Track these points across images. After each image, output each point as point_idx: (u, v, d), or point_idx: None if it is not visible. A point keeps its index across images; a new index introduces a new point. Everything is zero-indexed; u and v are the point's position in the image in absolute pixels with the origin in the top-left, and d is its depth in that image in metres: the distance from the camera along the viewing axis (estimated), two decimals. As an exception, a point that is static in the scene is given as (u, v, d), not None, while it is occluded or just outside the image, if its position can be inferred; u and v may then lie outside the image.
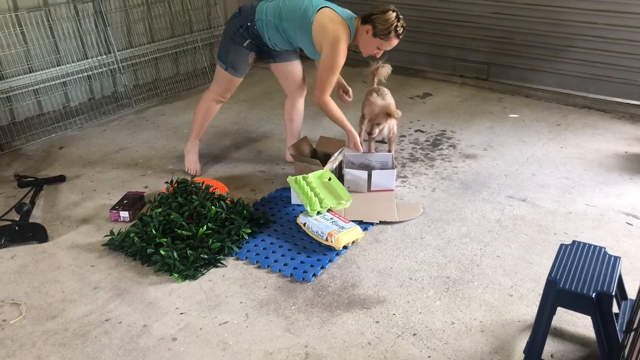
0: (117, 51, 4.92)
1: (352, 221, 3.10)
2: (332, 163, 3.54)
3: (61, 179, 3.74)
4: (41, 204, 3.46)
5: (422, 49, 5.79)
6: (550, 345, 2.32)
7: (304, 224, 3.08)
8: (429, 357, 2.28)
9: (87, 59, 4.76)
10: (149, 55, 5.23)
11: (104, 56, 4.88)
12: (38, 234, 3.08)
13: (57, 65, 4.58)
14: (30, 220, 3.21)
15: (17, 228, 3.07)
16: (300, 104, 3.81)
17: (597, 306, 2.03)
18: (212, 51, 5.88)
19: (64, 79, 4.64)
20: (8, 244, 3.05)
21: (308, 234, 3.07)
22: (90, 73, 4.78)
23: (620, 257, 2.22)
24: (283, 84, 3.76)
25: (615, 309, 2.12)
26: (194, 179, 3.40)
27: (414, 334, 2.39)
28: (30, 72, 4.40)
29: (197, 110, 3.74)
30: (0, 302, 2.63)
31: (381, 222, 3.20)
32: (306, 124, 4.56)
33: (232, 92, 3.67)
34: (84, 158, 4.08)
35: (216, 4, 5.72)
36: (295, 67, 3.68)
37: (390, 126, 3.75)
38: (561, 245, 2.30)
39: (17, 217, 3.20)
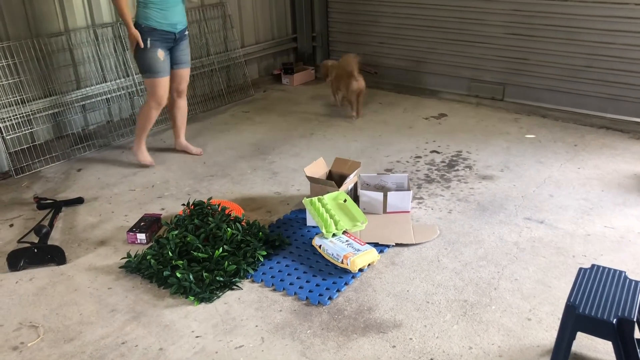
0: (135, 74, 5.00)
1: (368, 243, 3.09)
2: (348, 184, 3.54)
3: (79, 201, 3.78)
4: (59, 226, 3.50)
5: (437, 69, 5.80)
6: (571, 372, 2.27)
7: (320, 246, 3.08)
8: (447, 382, 2.25)
9: (106, 82, 4.84)
10: (166, 78, 5.30)
11: (123, 79, 4.95)
12: (56, 256, 3.11)
13: (77, 89, 4.66)
14: (49, 243, 3.24)
15: (35, 250, 3.11)
16: (181, 103, 4.38)
17: (618, 332, 2.00)
18: (228, 74, 5.95)
19: (84, 102, 4.72)
20: (27, 266, 3.08)
21: (323, 257, 3.06)
22: (108, 96, 4.85)
23: (641, 282, 2.18)
24: (171, 86, 4.21)
25: (637, 334, 2.08)
26: (210, 200, 3.42)
27: (431, 359, 2.36)
28: (50, 96, 4.48)
29: (139, 119, 4.24)
30: (18, 325, 2.65)
31: (397, 245, 3.18)
32: (322, 145, 4.59)
33: (165, 97, 4.11)
34: (101, 180, 4.12)
35: (232, 27, 5.80)
36: (187, 73, 4.27)
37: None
38: (580, 269, 2.27)
39: (36, 240, 3.24)
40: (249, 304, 2.75)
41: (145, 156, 4.33)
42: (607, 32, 4.70)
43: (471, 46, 5.49)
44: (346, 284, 2.86)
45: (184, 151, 4.54)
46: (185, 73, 4.25)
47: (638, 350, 2.01)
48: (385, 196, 3.45)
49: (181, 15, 3.99)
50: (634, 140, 4.51)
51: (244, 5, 6.04)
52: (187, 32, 4.13)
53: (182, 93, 4.34)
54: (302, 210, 3.53)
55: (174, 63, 4.12)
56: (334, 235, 3.11)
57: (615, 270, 2.25)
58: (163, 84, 4.03)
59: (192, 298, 2.77)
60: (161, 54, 3.94)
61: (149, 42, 3.87)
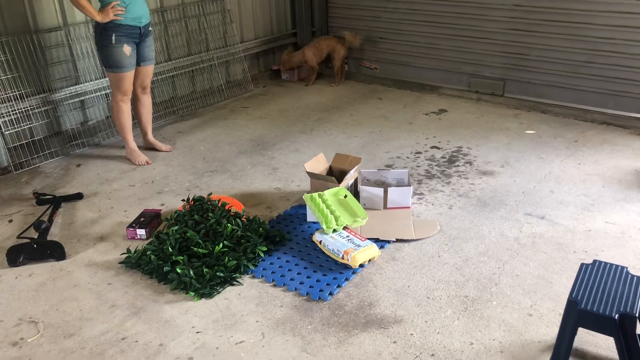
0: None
1: (369, 239, 3.08)
2: (348, 180, 3.53)
3: (79, 196, 3.77)
4: (59, 222, 3.49)
5: (438, 65, 5.79)
6: (572, 367, 2.27)
7: (320, 242, 3.07)
8: (448, 378, 2.25)
9: (104, 77, 4.81)
10: (166, 74, 5.28)
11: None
12: (56, 252, 3.10)
13: (76, 84, 4.64)
14: (49, 238, 3.23)
15: (35, 246, 3.10)
16: (145, 99, 4.39)
17: (620, 327, 1.99)
18: (227, 69, 5.93)
19: (83, 97, 4.70)
20: (26, 261, 3.07)
21: (324, 252, 3.06)
22: (108, 91, 4.82)
23: (643, 277, 2.18)
24: (135, 83, 4.20)
25: (639, 330, 2.08)
26: (210, 196, 3.41)
27: (432, 355, 2.36)
28: (50, 91, 4.46)
29: (114, 118, 4.27)
30: (18, 320, 2.64)
31: (398, 240, 3.17)
32: (322, 140, 4.58)
33: (131, 89, 4.13)
34: (101, 176, 4.11)
35: (232, 23, 5.78)
36: (151, 69, 4.29)
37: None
38: (582, 264, 2.26)
39: (35, 235, 3.23)
40: (249, 299, 2.74)
41: (138, 156, 4.30)
42: (607, 28, 4.69)
43: (471, 42, 5.47)
44: (347, 279, 2.86)
45: (153, 148, 4.51)
46: (149, 70, 4.26)
47: (640, 345, 2.01)
48: (385, 192, 3.44)
49: (144, 9, 3.99)
50: (634, 136, 4.50)
51: (243, 1, 6.01)
52: (150, 28, 4.14)
53: (147, 89, 4.34)
54: (303, 206, 3.52)
55: (140, 60, 4.11)
56: (334, 231, 3.11)
57: (617, 266, 2.24)
58: (128, 77, 4.04)
59: (192, 294, 2.76)
60: (127, 50, 3.93)
61: (114, 37, 3.86)
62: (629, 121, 4.72)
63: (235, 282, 2.86)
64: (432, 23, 5.65)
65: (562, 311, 2.18)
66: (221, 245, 2.98)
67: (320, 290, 2.76)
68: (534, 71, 5.20)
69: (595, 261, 2.28)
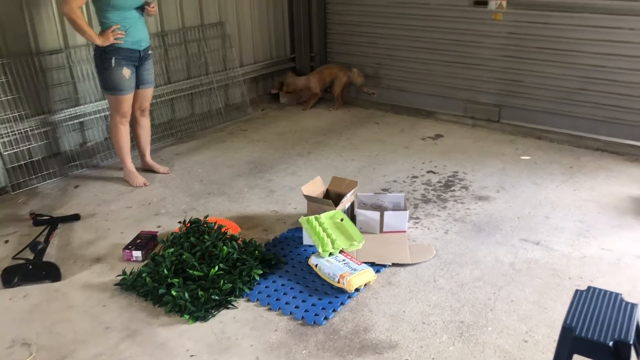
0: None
1: (365, 263, 3.08)
2: (345, 203, 3.54)
3: (76, 217, 3.77)
4: (55, 243, 3.49)
5: (434, 90, 5.85)
6: (567, 394, 2.26)
7: (316, 265, 3.07)
8: (443, 404, 2.24)
9: (104, 99, 4.84)
10: (165, 96, 5.33)
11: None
12: (51, 273, 3.10)
13: (76, 106, 4.67)
14: (45, 259, 3.22)
15: (30, 267, 3.09)
16: (144, 121, 4.43)
17: (614, 355, 1.99)
18: (227, 92, 5.98)
19: (82, 119, 4.73)
20: (21, 282, 3.06)
21: (320, 276, 3.06)
22: (107, 113, 4.86)
23: (637, 304, 2.18)
24: (134, 105, 4.24)
25: (633, 357, 2.07)
26: (207, 218, 3.42)
27: (427, 381, 2.35)
28: (49, 113, 4.49)
29: (112, 140, 4.33)
30: (10, 342, 2.63)
31: (394, 264, 3.18)
32: (319, 163, 4.60)
33: (129, 111, 4.18)
34: (98, 197, 4.12)
35: (232, 47, 5.85)
36: (150, 92, 4.32)
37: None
38: (576, 290, 2.27)
39: (31, 256, 3.22)
40: (244, 323, 2.74)
41: (135, 178, 4.32)
42: (600, 56, 4.76)
43: (467, 68, 5.54)
44: (342, 303, 2.86)
45: (150, 170, 4.53)
46: (149, 92, 4.29)
47: (634, 373, 2.00)
48: (382, 216, 3.45)
49: (144, 32, 4.03)
50: (629, 163, 4.54)
51: (243, 25, 6.09)
52: (150, 52, 4.18)
53: (146, 111, 4.38)
54: (299, 229, 3.53)
55: (139, 83, 4.15)
56: (330, 254, 3.11)
57: (611, 293, 2.24)
58: (127, 100, 4.08)
59: (187, 316, 2.76)
60: (127, 72, 3.97)
61: (113, 61, 3.90)
62: (623, 148, 4.76)
63: (230, 306, 2.85)
64: (428, 49, 5.72)
65: (557, 337, 2.18)
66: (217, 268, 2.98)
67: (316, 315, 2.76)
68: (529, 98, 5.26)
69: (589, 287, 2.28)
